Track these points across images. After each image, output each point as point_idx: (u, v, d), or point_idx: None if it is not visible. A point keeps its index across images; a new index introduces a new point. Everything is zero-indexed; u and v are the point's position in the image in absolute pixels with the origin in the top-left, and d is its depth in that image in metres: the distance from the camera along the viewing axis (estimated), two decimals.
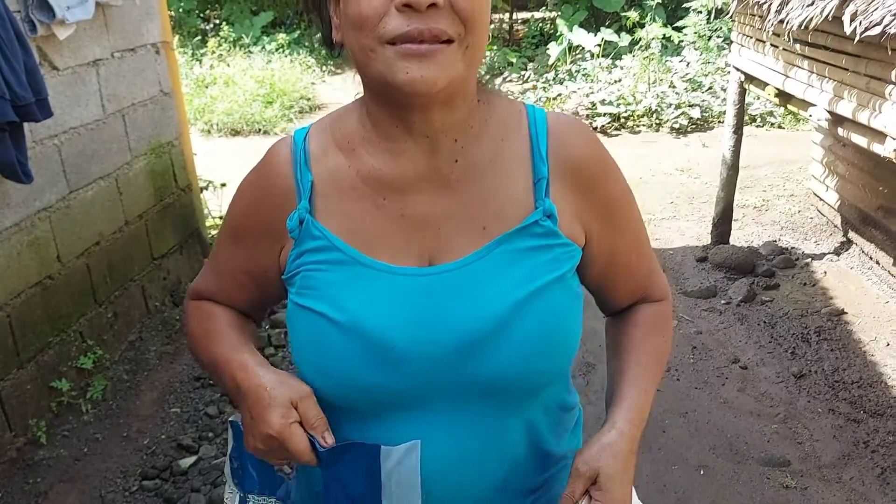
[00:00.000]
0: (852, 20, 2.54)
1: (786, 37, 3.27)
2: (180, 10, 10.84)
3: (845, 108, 3.03)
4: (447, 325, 0.91)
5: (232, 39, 10.18)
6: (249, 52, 9.94)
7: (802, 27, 2.97)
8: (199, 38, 10.68)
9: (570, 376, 1.11)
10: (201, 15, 11.66)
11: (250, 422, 0.92)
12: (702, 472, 2.78)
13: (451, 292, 0.92)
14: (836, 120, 3.19)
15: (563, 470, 1.07)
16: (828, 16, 2.77)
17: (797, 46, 3.42)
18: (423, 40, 0.80)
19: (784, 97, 3.80)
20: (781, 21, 3.17)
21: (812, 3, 2.78)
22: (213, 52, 9.76)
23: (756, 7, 3.57)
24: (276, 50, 10.02)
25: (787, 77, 3.64)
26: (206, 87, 8.65)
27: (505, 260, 0.93)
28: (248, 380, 0.92)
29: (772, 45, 3.76)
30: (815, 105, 3.36)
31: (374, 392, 0.92)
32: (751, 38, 4.10)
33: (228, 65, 9.28)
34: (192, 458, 2.88)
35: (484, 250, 0.93)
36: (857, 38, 2.56)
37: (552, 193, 0.95)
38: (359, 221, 0.94)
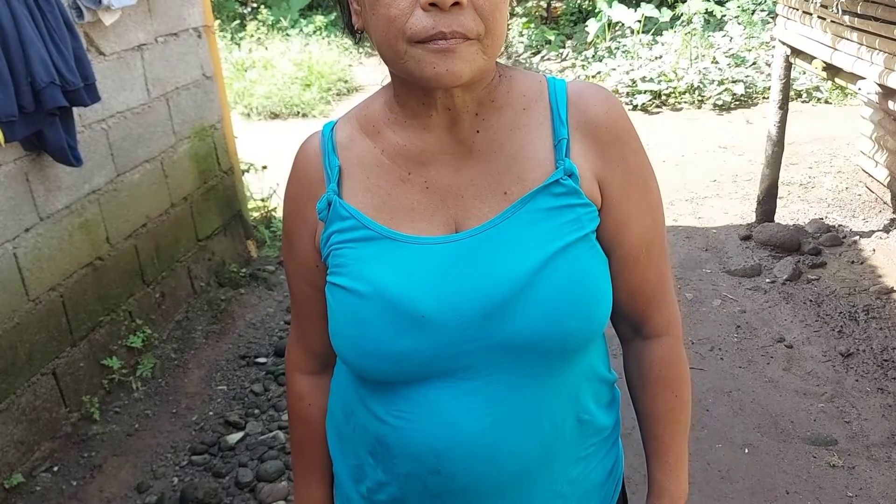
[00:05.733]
0: None
1: (834, 8, 3.19)
2: None
3: None
4: (473, 288, 0.92)
5: (270, 23, 10.23)
6: (287, 35, 9.98)
7: None
8: (238, 21, 10.76)
9: (608, 354, 1.10)
10: None
11: None
12: (746, 451, 2.76)
13: (475, 256, 0.93)
14: (887, 93, 3.11)
15: (604, 442, 1.08)
16: None
17: (846, 18, 3.33)
18: (448, 37, 0.83)
19: (832, 71, 3.71)
20: None
21: None
22: (252, 36, 9.82)
23: None
24: (314, 33, 10.04)
25: (836, 50, 3.55)
26: (246, 71, 8.72)
27: (528, 220, 0.93)
28: None
29: (819, 17, 3.67)
30: (864, 78, 3.27)
31: (407, 360, 0.93)
32: (797, 10, 4.00)
33: (267, 48, 9.33)
34: (239, 434, 2.95)
35: (506, 212, 0.94)
36: None
37: (572, 154, 0.95)
38: (385, 197, 0.97)
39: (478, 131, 0.96)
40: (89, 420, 2.97)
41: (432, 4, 0.82)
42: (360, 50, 9.88)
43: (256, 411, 3.10)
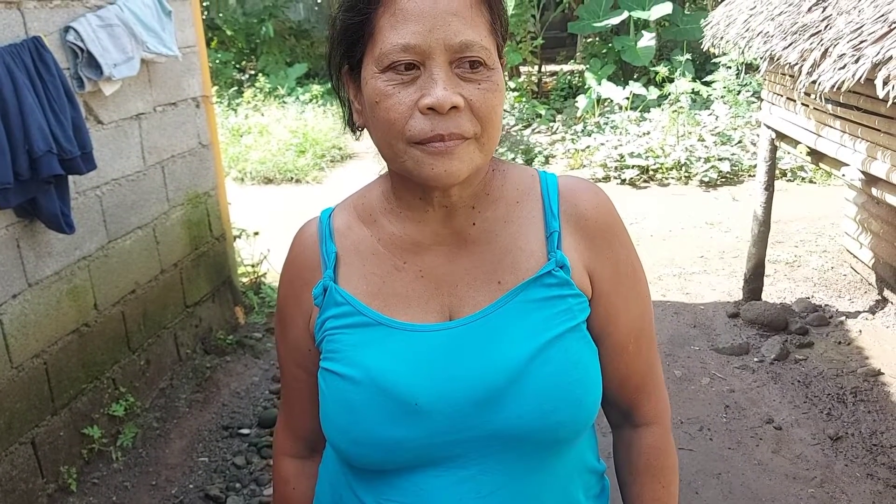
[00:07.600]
0: (885, 84, 2.55)
1: (817, 97, 3.28)
2: (217, 61, 11.15)
3: (879, 169, 3.02)
4: (465, 377, 0.93)
5: (267, 90, 10.42)
6: (284, 102, 10.16)
7: (834, 88, 2.98)
8: (236, 88, 10.96)
9: (596, 444, 1.10)
10: (238, 66, 11.97)
11: None
12: None
13: (468, 345, 0.94)
14: (870, 180, 3.18)
15: None
16: (860, 78, 2.78)
17: (829, 106, 3.43)
18: (446, 139, 0.86)
19: (816, 156, 3.80)
20: (813, 82, 3.19)
21: (844, 67, 2.79)
22: (249, 103, 9.99)
23: (787, 67, 3.59)
24: (310, 100, 10.23)
25: (819, 136, 3.64)
26: (241, 137, 8.84)
27: (520, 310, 0.95)
28: None
29: (803, 104, 3.77)
30: (848, 165, 3.35)
31: (399, 448, 0.93)
32: (781, 96, 4.11)
33: (263, 114, 9.48)
34: None
35: (499, 302, 0.96)
36: (889, 102, 2.56)
37: (564, 246, 0.98)
38: (380, 284, 0.98)
39: (473, 223, 0.98)
40: (66, 492, 2.89)
41: (430, 109, 0.85)
42: None
43: (238, 485, 3.04)
